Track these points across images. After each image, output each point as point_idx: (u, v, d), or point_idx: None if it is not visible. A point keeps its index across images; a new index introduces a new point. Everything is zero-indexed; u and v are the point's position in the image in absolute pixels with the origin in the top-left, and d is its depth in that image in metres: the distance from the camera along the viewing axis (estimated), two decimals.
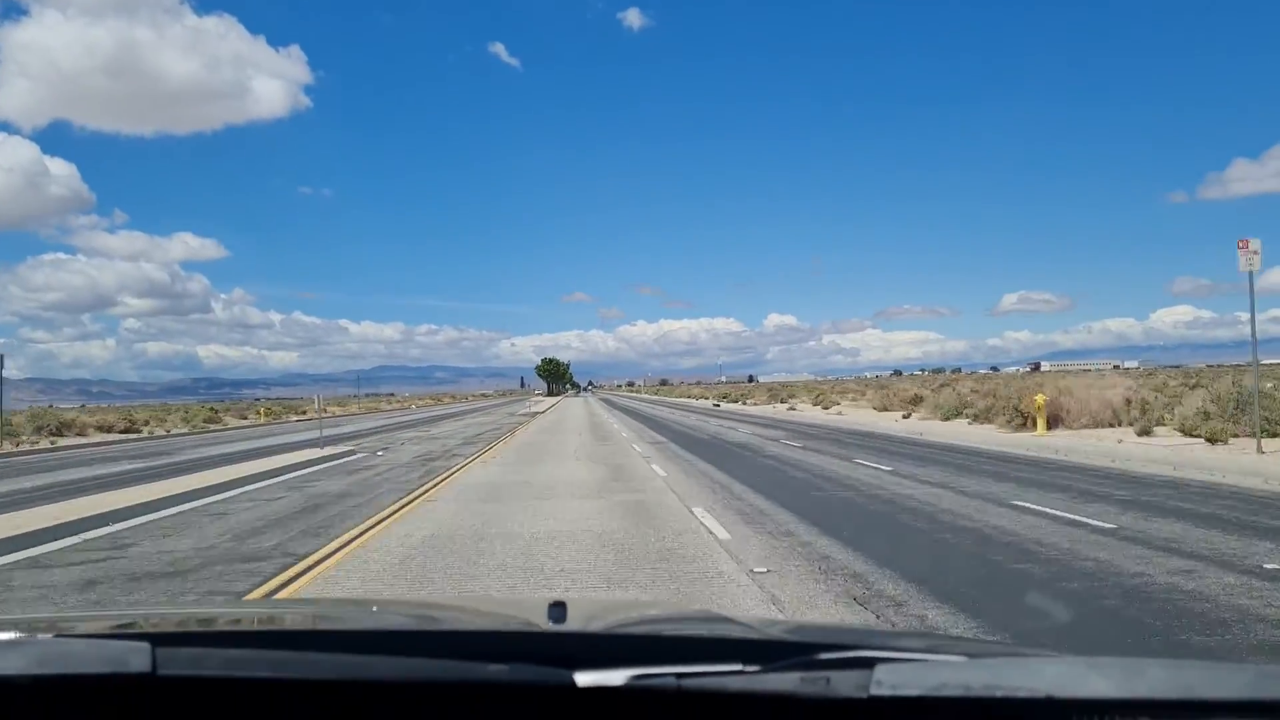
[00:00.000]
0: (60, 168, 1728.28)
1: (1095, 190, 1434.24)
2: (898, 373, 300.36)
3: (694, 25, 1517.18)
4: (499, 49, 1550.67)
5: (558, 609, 1.44)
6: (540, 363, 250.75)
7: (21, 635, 1.37)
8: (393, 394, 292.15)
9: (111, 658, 1.10)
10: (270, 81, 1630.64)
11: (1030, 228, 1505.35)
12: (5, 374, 31.00)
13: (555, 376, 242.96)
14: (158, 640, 1.11)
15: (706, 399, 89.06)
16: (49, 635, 1.40)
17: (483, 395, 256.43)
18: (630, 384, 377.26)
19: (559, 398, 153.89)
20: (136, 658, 1.07)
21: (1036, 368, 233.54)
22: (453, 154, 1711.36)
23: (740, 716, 1.11)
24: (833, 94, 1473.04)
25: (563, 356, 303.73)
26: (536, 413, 57.31)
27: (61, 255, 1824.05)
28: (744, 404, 67.09)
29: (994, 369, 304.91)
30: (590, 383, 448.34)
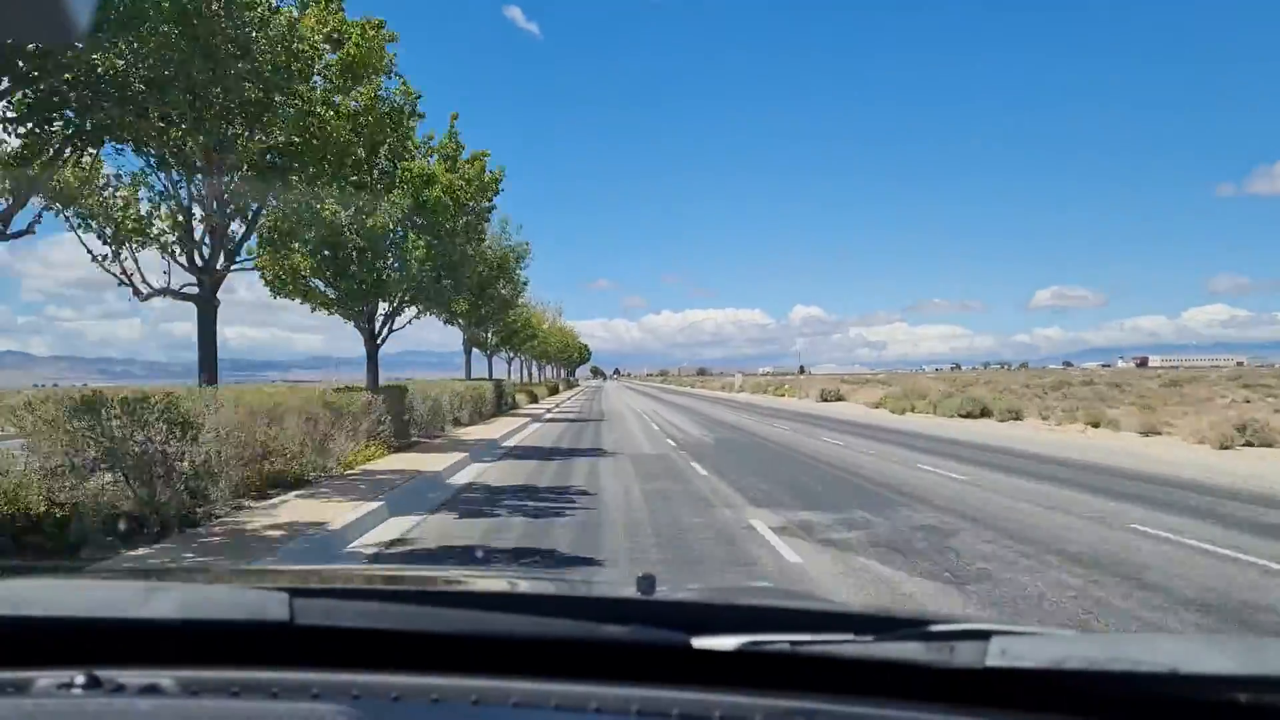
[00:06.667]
0: None
1: (1139, 182, 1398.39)
2: (956, 366, 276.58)
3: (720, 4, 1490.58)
4: (515, 13, 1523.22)
5: (646, 581, 1.42)
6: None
7: (172, 582, 1.45)
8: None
9: (252, 606, 1.17)
10: None
11: (1070, 221, 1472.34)
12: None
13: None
14: (295, 592, 1.17)
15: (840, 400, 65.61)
16: (197, 583, 1.49)
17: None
18: (663, 373, 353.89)
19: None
20: (275, 606, 1.13)
21: (1144, 363, 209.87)
22: (470, 129, 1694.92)
23: (847, 688, 1.07)
24: (868, 86, 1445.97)
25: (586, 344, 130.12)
26: None
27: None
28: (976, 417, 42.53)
29: (1066, 364, 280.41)
30: (617, 370, 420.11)
